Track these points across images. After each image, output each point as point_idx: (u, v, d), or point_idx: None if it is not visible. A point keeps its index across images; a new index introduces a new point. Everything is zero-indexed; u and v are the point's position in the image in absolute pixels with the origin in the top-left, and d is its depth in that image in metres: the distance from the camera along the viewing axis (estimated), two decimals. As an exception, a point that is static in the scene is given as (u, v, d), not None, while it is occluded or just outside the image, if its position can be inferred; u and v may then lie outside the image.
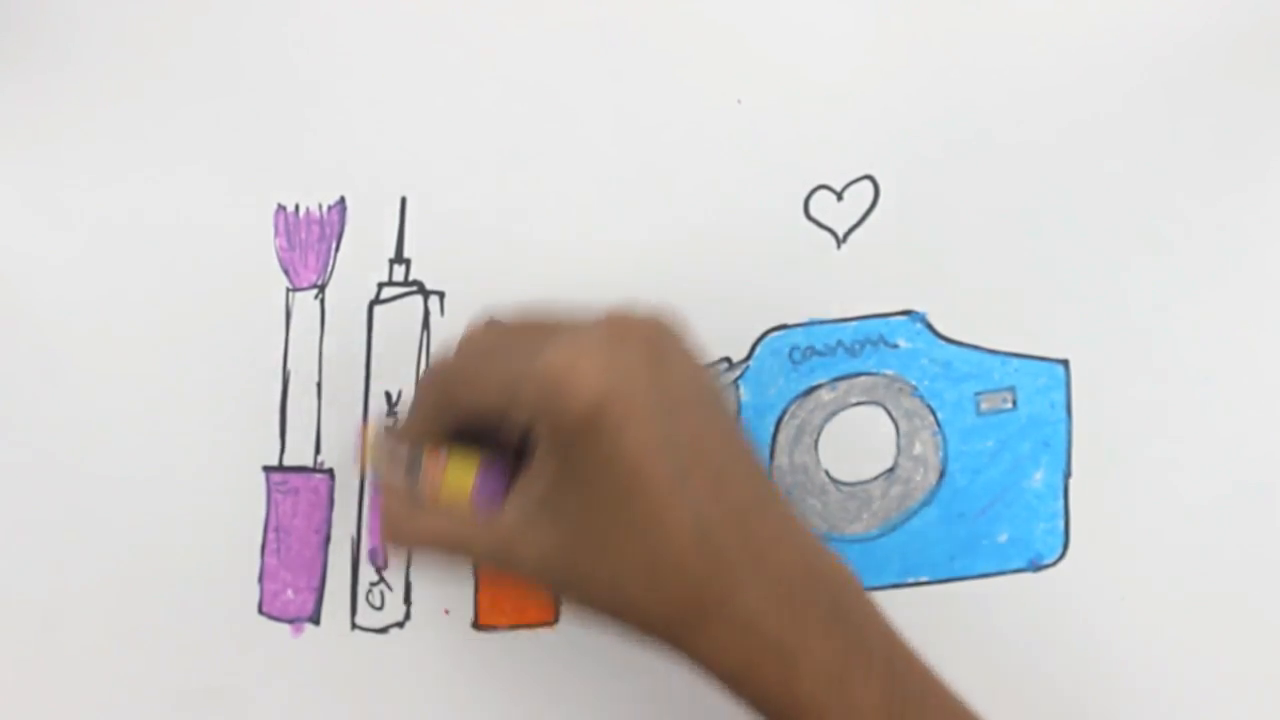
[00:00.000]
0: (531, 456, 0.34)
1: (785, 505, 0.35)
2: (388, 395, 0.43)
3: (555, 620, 0.42)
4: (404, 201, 0.43)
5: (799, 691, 0.32)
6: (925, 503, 0.41)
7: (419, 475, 0.37)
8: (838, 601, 0.34)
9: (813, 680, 0.32)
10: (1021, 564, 0.40)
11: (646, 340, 0.34)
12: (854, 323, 0.41)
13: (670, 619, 0.33)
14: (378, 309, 0.43)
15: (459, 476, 0.36)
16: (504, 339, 0.37)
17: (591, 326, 0.34)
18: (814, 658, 0.32)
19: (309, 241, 0.43)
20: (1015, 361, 0.40)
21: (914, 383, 0.41)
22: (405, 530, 0.37)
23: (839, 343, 0.41)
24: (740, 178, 0.42)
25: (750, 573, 0.33)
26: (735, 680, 0.33)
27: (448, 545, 0.36)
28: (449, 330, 0.42)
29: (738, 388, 0.41)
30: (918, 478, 0.41)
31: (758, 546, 0.33)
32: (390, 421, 0.41)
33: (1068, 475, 0.40)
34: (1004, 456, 0.40)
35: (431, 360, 0.38)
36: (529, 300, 0.42)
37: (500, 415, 0.34)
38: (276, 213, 0.44)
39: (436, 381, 0.37)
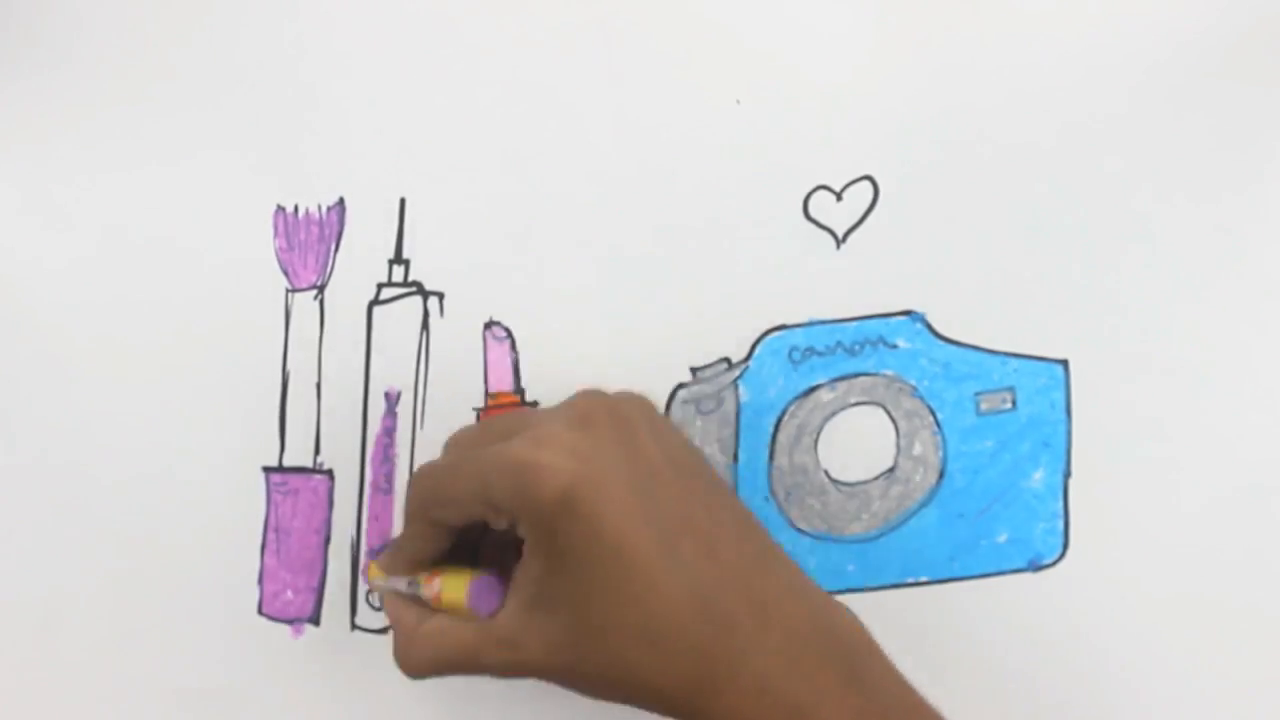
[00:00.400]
0: (519, 553, 0.34)
1: (787, 561, 0.35)
2: (387, 395, 0.43)
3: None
4: (403, 202, 0.43)
5: None
6: (925, 503, 0.41)
7: (418, 591, 0.37)
8: (849, 657, 0.34)
9: None
10: (1021, 564, 0.40)
11: (613, 417, 0.34)
12: (853, 323, 0.41)
13: (682, 691, 0.33)
14: (377, 310, 0.43)
15: (453, 593, 0.36)
16: (481, 437, 0.37)
17: (556, 413, 0.34)
18: (829, 717, 0.32)
19: (308, 242, 0.43)
20: (1015, 362, 0.40)
21: (913, 383, 0.41)
22: (415, 652, 0.36)
23: (838, 343, 0.41)
24: (739, 178, 0.42)
25: (757, 632, 0.32)
26: None
27: (458, 663, 0.35)
28: (449, 330, 0.42)
29: (737, 388, 0.41)
30: (917, 478, 0.41)
31: (761, 604, 0.33)
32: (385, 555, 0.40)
33: (1067, 475, 0.40)
34: (1004, 457, 0.40)
35: (416, 472, 0.38)
36: (528, 301, 0.42)
37: (482, 514, 0.34)
38: (276, 214, 0.44)
39: (422, 487, 0.37)
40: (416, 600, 0.37)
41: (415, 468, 0.43)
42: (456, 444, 0.38)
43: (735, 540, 0.34)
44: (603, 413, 0.34)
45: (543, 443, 0.32)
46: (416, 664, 0.36)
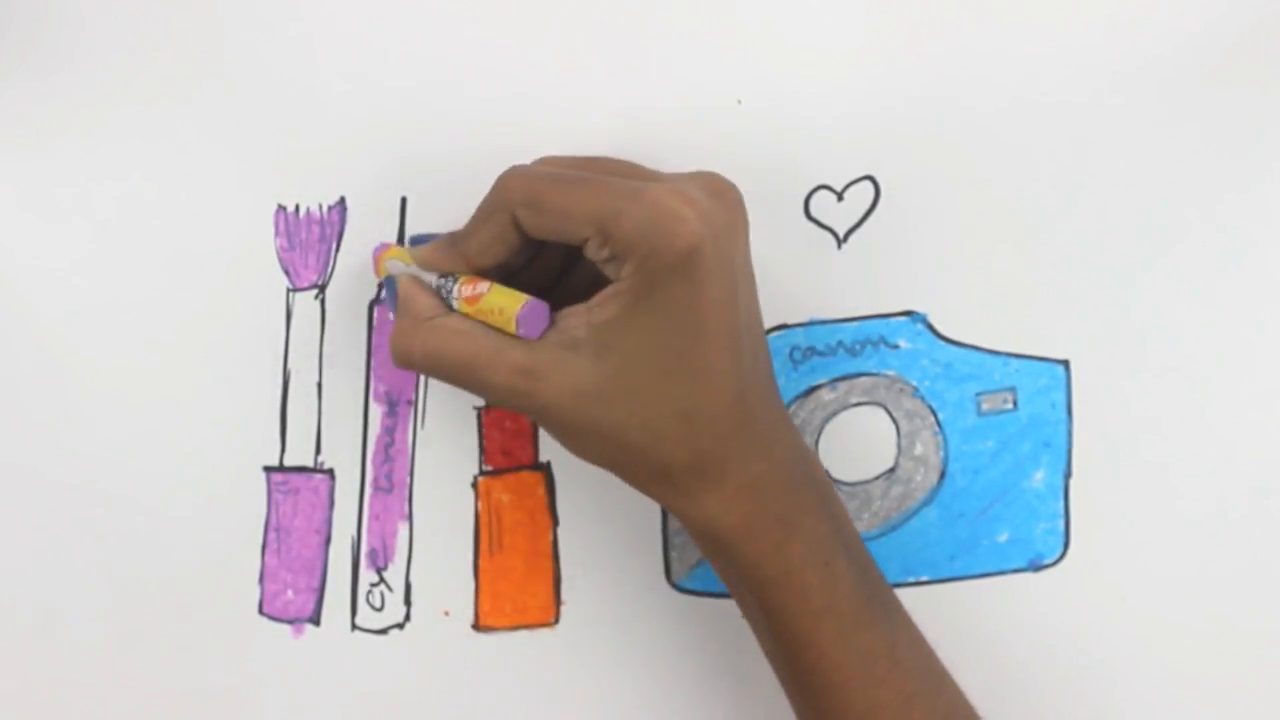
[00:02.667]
0: (575, 296, 0.34)
1: (781, 403, 0.37)
2: (387, 396, 0.43)
3: (555, 621, 0.42)
4: (404, 201, 0.43)
5: (791, 560, 0.34)
6: (926, 503, 0.41)
7: (449, 298, 0.35)
8: (823, 488, 0.36)
9: (803, 552, 0.35)
10: (1022, 564, 0.40)
11: (735, 204, 0.35)
12: (854, 323, 0.41)
13: (687, 469, 0.34)
14: (378, 309, 0.43)
15: (503, 300, 0.34)
16: (592, 169, 0.36)
17: (689, 178, 0.35)
18: (807, 533, 0.35)
19: (309, 242, 0.43)
20: (1016, 362, 0.40)
21: (915, 383, 0.41)
22: (422, 335, 0.35)
23: (839, 343, 0.41)
24: (740, 178, 0.41)
25: (768, 445, 0.35)
26: (733, 540, 0.35)
27: (466, 361, 0.35)
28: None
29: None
30: (918, 478, 0.41)
31: (774, 422, 0.35)
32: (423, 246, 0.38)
33: (1068, 475, 0.40)
34: (1004, 457, 0.40)
35: (511, 168, 0.36)
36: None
37: (572, 243, 0.34)
38: (277, 213, 0.43)
39: (520, 185, 0.35)
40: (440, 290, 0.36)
41: (417, 468, 0.43)
42: (562, 161, 0.37)
43: (767, 360, 0.36)
44: (733, 196, 0.35)
45: (685, 198, 0.33)
46: (416, 350, 0.35)
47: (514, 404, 0.35)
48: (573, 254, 0.37)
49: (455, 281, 0.36)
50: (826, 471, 0.38)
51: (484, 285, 0.35)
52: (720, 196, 0.34)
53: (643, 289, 0.33)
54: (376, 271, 0.40)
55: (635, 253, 0.33)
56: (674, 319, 0.33)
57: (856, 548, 0.36)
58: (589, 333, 0.34)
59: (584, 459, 0.36)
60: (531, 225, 0.35)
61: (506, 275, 0.37)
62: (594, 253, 0.34)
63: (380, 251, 0.40)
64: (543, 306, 0.35)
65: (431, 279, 0.37)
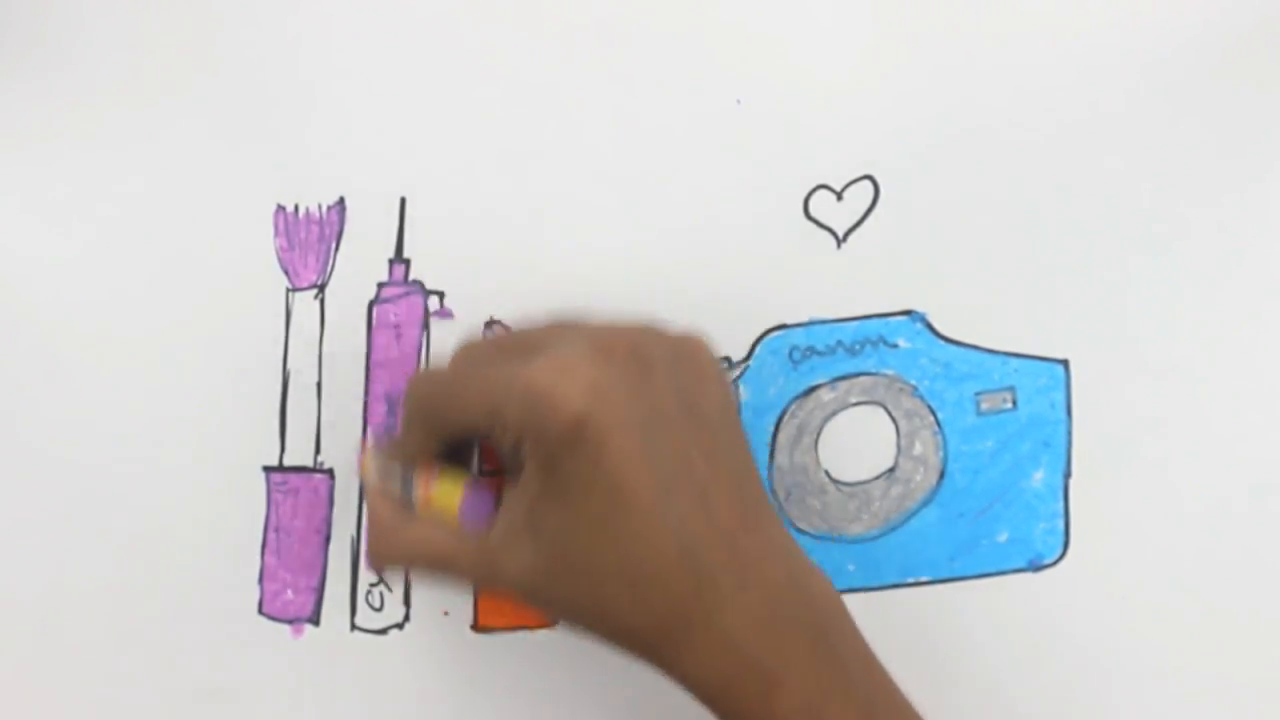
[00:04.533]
0: (518, 472, 0.34)
1: (776, 520, 0.35)
2: (387, 396, 0.43)
3: (555, 622, 0.42)
4: (403, 201, 0.43)
5: (777, 714, 0.32)
6: (925, 503, 0.41)
7: (411, 492, 0.37)
8: (821, 625, 0.34)
9: (791, 704, 0.32)
10: (1021, 564, 0.40)
11: (632, 354, 0.33)
12: (854, 323, 0.41)
13: (652, 633, 0.33)
14: (378, 309, 0.43)
15: (446, 493, 0.36)
16: (492, 353, 0.36)
17: (576, 340, 0.34)
18: (794, 682, 0.32)
19: (309, 241, 0.43)
20: (1015, 361, 0.40)
21: (914, 383, 0.41)
22: (390, 544, 0.37)
23: (839, 343, 0.41)
24: (740, 178, 0.42)
25: (734, 590, 0.33)
26: (715, 698, 0.33)
27: (432, 560, 0.36)
28: (449, 331, 0.42)
29: (738, 387, 0.41)
30: (918, 478, 0.41)
31: (743, 563, 0.33)
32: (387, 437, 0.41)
33: (1068, 475, 0.40)
34: (1004, 456, 0.40)
35: (418, 372, 0.37)
36: (528, 301, 0.42)
37: (487, 430, 0.34)
38: (276, 213, 0.44)
39: (422, 395, 0.37)
40: (404, 499, 0.37)
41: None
42: (467, 355, 0.37)
43: (730, 493, 0.34)
44: (624, 348, 0.34)
45: (561, 370, 0.32)
46: (389, 557, 0.36)
47: (488, 590, 0.36)
48: None
49: (413, 477, 0.37)
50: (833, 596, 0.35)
51: (433, 482, 0.36)
52: (608, 353, 0.33)
53: (548, 470, 0.33)
54: (359, 470, 0.42)
55: (528, 440, 0.33)
56: (585, 491, 0.32)
57: (864, 688, 0.33)
58: (524, 516, 0.34)
59: (566, 626, 0.35)
60: (439, 429, 0.36)
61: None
62: (499, 443, 0.34)
63: (361, 455, 0.41)
64: (482, 499, 0.35)
65: (395, 479, 0.37)
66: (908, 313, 0.41)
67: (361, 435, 0.43)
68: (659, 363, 0.34)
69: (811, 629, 0.33)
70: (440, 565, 0.36)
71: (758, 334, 0.41)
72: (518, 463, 0.34)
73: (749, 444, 0.36)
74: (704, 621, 0.33)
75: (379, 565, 0.37)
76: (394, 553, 0.37)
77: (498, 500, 0.35)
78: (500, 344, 0.37)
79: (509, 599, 0.35)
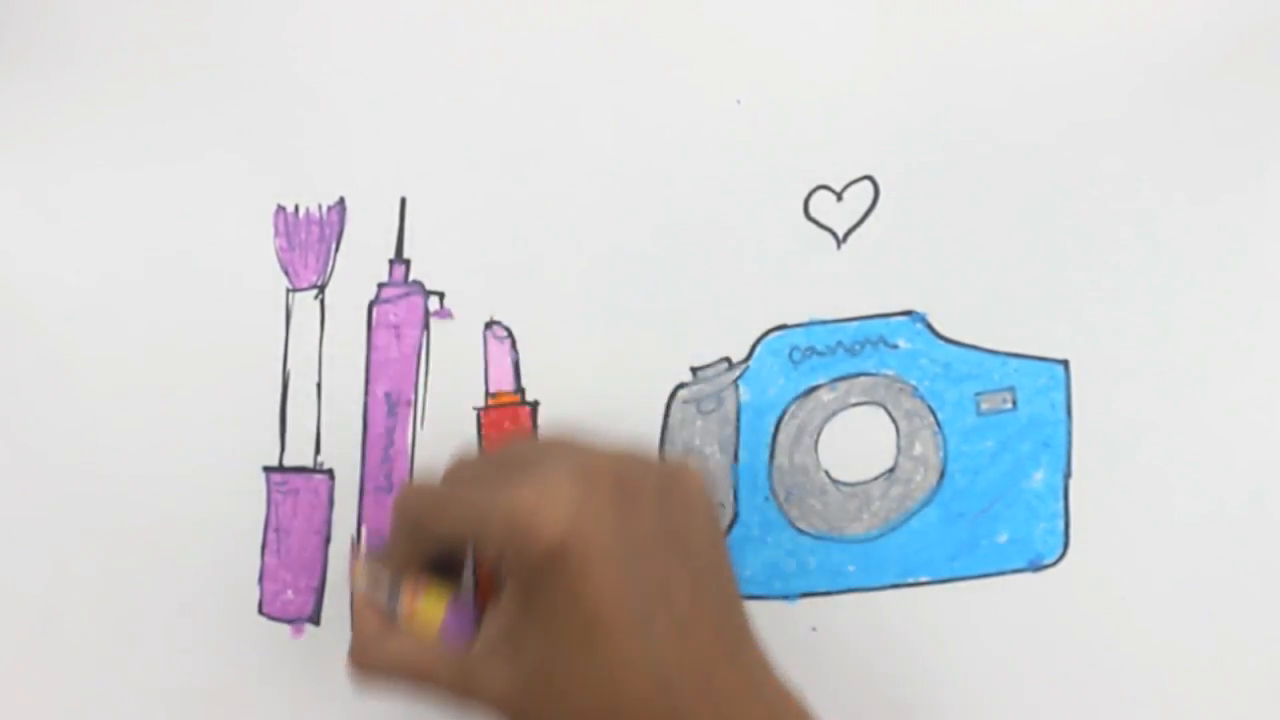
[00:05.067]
0: (500, 591, 0.34)
1: (755, 649, 0.35)
2: (387, 396, 0.43)
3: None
4: (404, 202, 0.43)
5: None
6: (925, 503, 0.41)
7: (398, 601, 0.37)
8: None
9: None
10: (1021, 564, 0.40)
11: (618, 481, 0.33)
12: (854, 323, 0.41)
13: None
14: (378, 309, 0.43)
15: (430, 608, 0.36)
16: (481, 472, 0.37)
17: (562, 465, 0.34)
18: None
19: (309, 242, 0.43)
20: (1015, 362, 0.40)
21: (914, 383, 0.41)
22: (372, 655, 0.37)
23: (839, 343, 0.41)
24: (740, 178, 0.42)
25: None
26: None
27: (411, 674, 0.36)
28: (449, 331, 0.42)
29: (738, 388, 0.41)
30: (918, 478, 0.41)
31: (719, 700, 0.33)
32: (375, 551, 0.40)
33: (1068, 475, 0.40)
34: (1004, 457, 0.40)
35: (407, 485, 0.38)
36: (528, 301, 0.42)
37: (473, 545, 0.35)
38: (276, 213, 0.44)
39: (409, 508, 0.37)
40: (389, 608, 0.37)
41: (417, 468, 0.43)
42: (456, 474, 0.38)
43: (711, 626, 0.34)
44: (610, 475, 0.34)
45: (544, 495, 0.32)
46: (369, 668, 0.37)
47: (462, 709, 0.35)
48: None
49: (400, 592, 0.37)
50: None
51: (419, 596, 0.37)
52: (593, 479, 0.33)
53: (527, 591, 0.33)
54: (350, 579, 0.42)
55: (507, 564, 0.33)
56: (563, 617, 0.32)
57: None
58: (502, 636, 0.34)
59: None
60: (425, 543, 0.37)
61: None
62: (483, 558, 0.35)
63: (353, 560, 0.42)
64: (462, 618, 0.36)
65: (383, 587, 0.37)
66: (908, 313, 0.41)
67: (361, 436, 0.43)
68: (645, 492, 0.34)
69: None
70: (419, 679, 0.36)
71: (758, 334, 0.41)
72: (501, 580, 0.34)
73: (734, 576, 0.36)
74: None
75: (359, 676, 0.37)
76: (375, 664, 0.37)
77: (480, 619, 0.35)
78: (490, 463, 0.37)
79: (487, 716, 0.35)
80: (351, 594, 0.43)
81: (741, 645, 0.35)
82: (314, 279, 0.43)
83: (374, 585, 0.37)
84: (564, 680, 0.32)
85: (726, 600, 0.35)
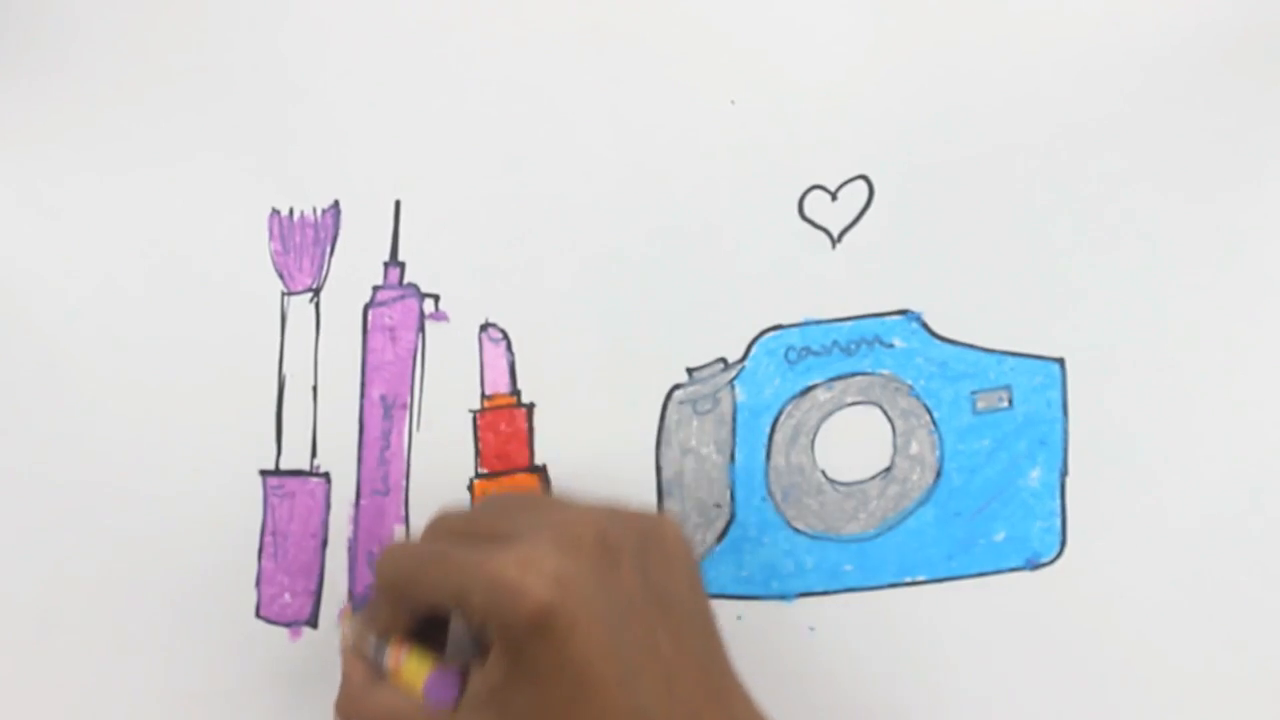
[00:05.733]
0: (485, 654, 0.34)
1: (743, 697, 0.35)
2: (383, 399, 0.43)
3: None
4: (398, 204, 0.43)
5: None
6: (922, 502, 0.41)
7: (384, 655, 0.37)
8: None
9: None
10: (1018, 563, 0.40)
11: (599, 542, 0.34)
12: (849, 322, 0.41)
13: None
14: (373, 312, 0.43)
15: (413, 670, 0.36)
16: (460, 533, 0.36)
17: (543, 528, 0.34)
18: None
19: (303, 245, 0.43)
20: (1011, 360, 0.40)
21: (910, 382, 0.41)
22: (356, 706, 0.37)
23: (834, 342, 0.41)
24: (734, 178, 0.42)
25: None
26: None
27: None
28: (444, 334, 0.42)
29: (734, 388, 0.41)
30: (914, 477, 0.41)
31: None
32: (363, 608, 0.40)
33: (1064, 474, 0.40)
34: (1000, 455, 0.40)
35: (389, 546, 0.38)
36: (523, 303, 0.42)
37: (455, 609, 0.35)
38: (270, 216, 0.44)
39: (391, 571, 0.37)
40: (375, 662, 0.37)
41: (413, 471, 0.43)
42: (437, 531, 0.37)
43: (695, 674, 0.34)
44: (591, 538, 0.34)
45: (527, 564, 0.33)
46: (360, 712, 0.37)
47: None
48: None
49: (385, 649, 0.37)
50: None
51: (403, 656, 0.37)
52: (574, 547, 0.33)
53: (512, 655, 0.33)
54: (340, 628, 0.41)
55: (491, 624, 0.33)
56: (551, 680, 0.32)
57: None
58: (488, 697, 0.34)
59: None
60: (407, 605, 0.37)
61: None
62: (468, 621, 0.35)
63: (343, 612, 0.42)
64: (447, 679, 0.35)
65: (370, 643, 0.37)
66: (903, 312, 0.41)
67: (358, 439, 0.43)
68: (625, 550, 0.34)
69: None
70: None
71: (754, 334, 0.41)
72: (485, 644, 0.34)
73: (716, 622, 0.36)
74: None
75: None
76: (359, 716, 0.37)
77: (463, 683, 0.35)
78: (472, 521, 0.37)
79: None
80: (349, 595, 0.43)
81: (725, 687, 0.35)
82: (309, 282, 0.43)
83: (360, 639, 0.38)
84: None
85: (710, 647, 0.35)
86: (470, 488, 0.42)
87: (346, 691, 0.37)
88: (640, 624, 0.34)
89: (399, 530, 0.42)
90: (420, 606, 0.37)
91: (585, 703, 0.32)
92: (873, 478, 0.41)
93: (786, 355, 0.41)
